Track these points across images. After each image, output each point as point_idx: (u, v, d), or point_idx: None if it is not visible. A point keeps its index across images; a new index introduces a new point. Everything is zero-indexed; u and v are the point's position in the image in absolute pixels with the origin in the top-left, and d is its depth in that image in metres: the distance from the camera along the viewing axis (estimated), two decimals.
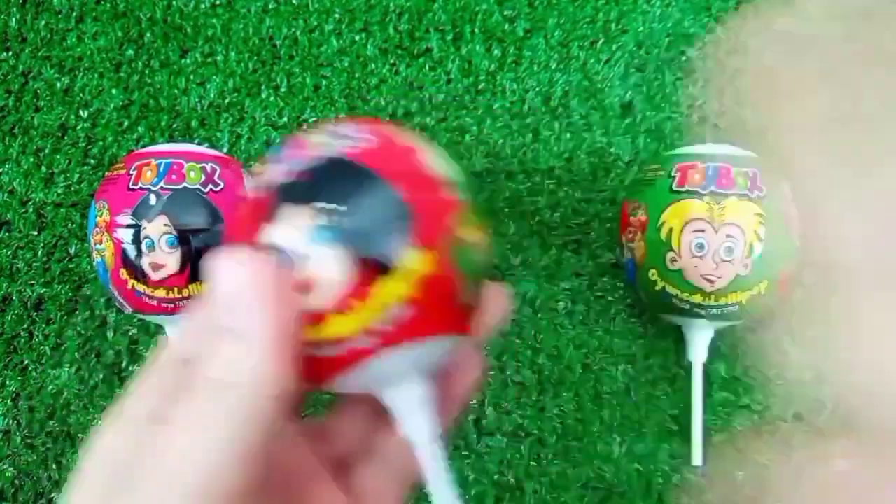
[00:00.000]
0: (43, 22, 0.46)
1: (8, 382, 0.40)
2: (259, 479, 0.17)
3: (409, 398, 0.20)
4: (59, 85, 0.45)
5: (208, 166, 0.35)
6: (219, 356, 0.17)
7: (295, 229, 0.18)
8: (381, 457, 0.23)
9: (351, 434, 0.23)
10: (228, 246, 0.18)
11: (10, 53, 0.45)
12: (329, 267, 0.17)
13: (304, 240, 0.17)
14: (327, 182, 0.18)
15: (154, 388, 0.18)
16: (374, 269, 0.17)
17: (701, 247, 0.34)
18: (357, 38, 0.46)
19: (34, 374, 0.40)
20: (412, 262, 0.18)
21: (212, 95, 0.44)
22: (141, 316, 0.36)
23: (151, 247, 0.33)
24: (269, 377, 0.17)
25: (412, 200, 0.18)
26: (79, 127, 0.44)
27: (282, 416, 0.17)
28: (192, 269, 0.34)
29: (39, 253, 0.42)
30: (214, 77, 0.45)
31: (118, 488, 0.16)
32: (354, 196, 0.18)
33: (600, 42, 0.45)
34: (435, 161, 0.20)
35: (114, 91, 0.45)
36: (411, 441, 0.20)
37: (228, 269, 0.17)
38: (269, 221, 0.18)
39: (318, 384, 0.20)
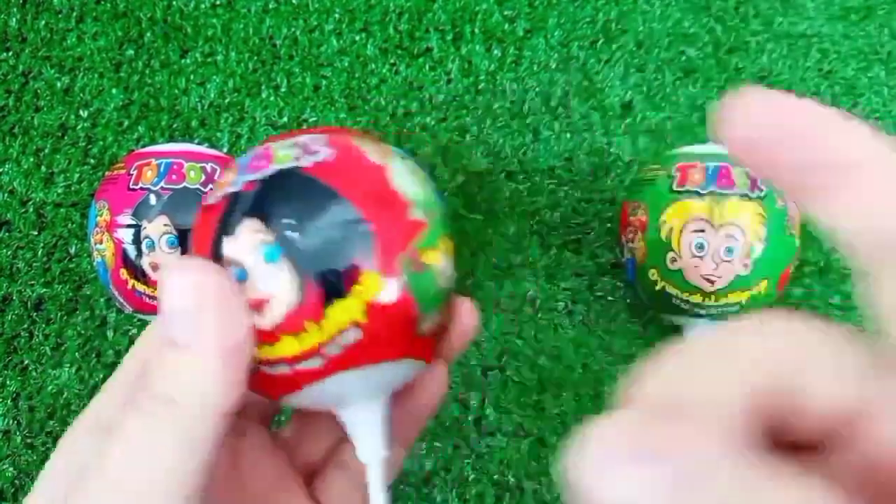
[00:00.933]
0: (43, 22, 0.46)
1: (8, 382, 0.40)
2: (203, 497, 0.16)
3: (360, 419, 0.19)
4: (59, 85, 0.45)
5: (208, 166, 0.35)
6: (164, 369, 0.16)
7: (250, 244, 0.17)
8: (346, 466, 0.23)
9: (317, 443, 0.23)
10: (184, 256, 0.18)
11: (10, 53, 0.45)
12: (281, 285, 0.17)
13: (259, 256, 0.17)
14: (285, 197, 0.17)
15: (116, 393, 0.18)
16: (327, 290, 0.17)
17: (701, 247, 0.34)
18: (357, 38, 0.46)
19: (34, 374, 0.40)
20: (367, 285, 0.17)
21: (212, 95, 0.44)
22: (141, 316, 0.36)
23: (152, 247, 0.33)
24: (213, 394, 0.16)
25: (371, 221, 0.17)
26: (79, 127, 0.44)
27: (224, 434, 0.16)
28: None
29: (39, 253, 0.42)
30: (214, 77, 0.45)
31: (67, 495, 0.16)
32: (311, 213, 0.17)
33: (600, 42, 0.45)
34: (402, 179, 0.19)
35: (114, 91, 0.45)
36: (360, 460, 0.20)
37: (179, 280, 0.17)
38: (227, 233, 0.17)
39: (271, 399, 0.19)
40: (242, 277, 0.17)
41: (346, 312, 0.17)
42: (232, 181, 0.18)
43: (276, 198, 0.17)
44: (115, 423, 0.16)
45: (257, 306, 0.17)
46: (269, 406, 0.23)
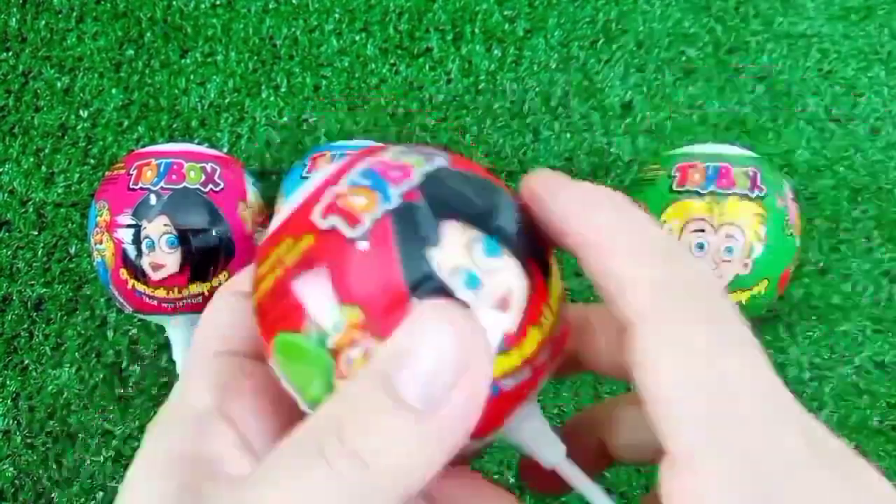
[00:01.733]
0: (43, 22, 0.46)
1: (8, 382, 0.40)
2: None
3: (536, 422, 0.17)
4: (59, 85, 0.45)
5: (208, 166, 0.35)
6: (376, 428, 0.13)
7: (462, 244, 0.15)
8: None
9: None
10: (435, 301, 0.14)
11: (10, 53, 0.45)
12: (515, 274, 0.15)
13: (479, 253, 0.15)
14: (463, 192, 0.16)
15: (188, 428, 0.16)
16: (542, 269, 0.16)
17: (701, 247, 0.34)
18: (357, 38, 0.46)
19: (34, 374, 0.40)
20: (554, 264, 0.17)
21: (212, 95, 0.44)
22: (141, 316, 0.36)
23: (151, 247, 0.33)
24: (422, 471, 0.13)
25: (525, 208, 0.17)
26: (79, 127, 0.44)
27: None
28: (192, 269, 0.34)
29: (39, 253, 0.42)
30: (214, 77, 0.45)
31: None
32: (492, 201, 0.16)
33: (600, 42, 0.45)
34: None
35: (114, 91, 0.45)
36: (552, 466, 0.18)
37: (438, 332, 0.14)
38: (429, 244, 0.15)
39: (480, 436, 0.16)
40: (475, 284, 0.15)
41: (556, 290, 0.16)
42: (376, 202, 0.15)
43: (455, 195, 0.16)
44: (266, 456, 0.14)
45: (503, 304, 0.15)
46: None
